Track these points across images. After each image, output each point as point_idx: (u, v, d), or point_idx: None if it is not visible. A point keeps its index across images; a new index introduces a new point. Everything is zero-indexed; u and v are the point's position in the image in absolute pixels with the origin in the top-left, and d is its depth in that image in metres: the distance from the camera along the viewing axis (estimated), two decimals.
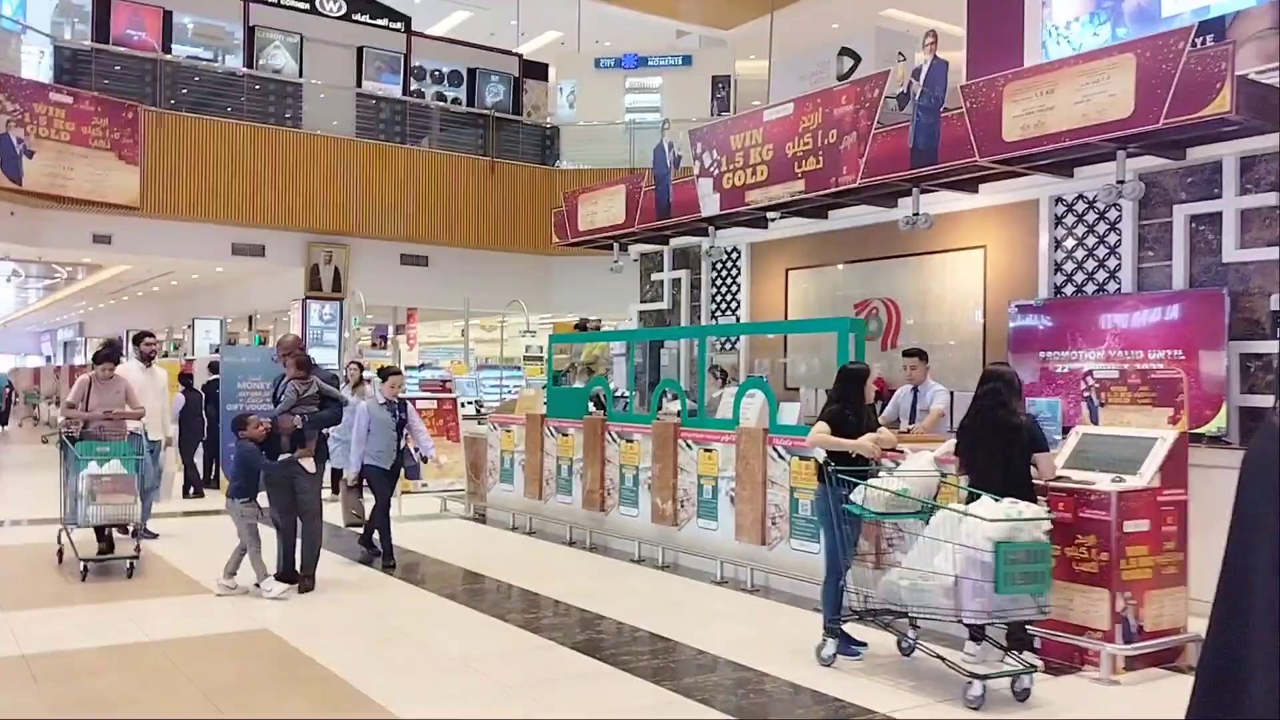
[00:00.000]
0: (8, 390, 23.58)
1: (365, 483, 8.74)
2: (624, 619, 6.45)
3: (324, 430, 7.33)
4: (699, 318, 11.63)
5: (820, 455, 5.36)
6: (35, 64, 16.33)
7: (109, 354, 8.02)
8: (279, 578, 7.08)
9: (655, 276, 12.27)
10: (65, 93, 15.25)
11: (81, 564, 7.14)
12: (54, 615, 6.31)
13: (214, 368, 14.74)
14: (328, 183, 17.93)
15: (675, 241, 11.74)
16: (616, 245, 11.79)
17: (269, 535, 7.10)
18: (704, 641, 5.91)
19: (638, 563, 8.36)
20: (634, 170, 15.65)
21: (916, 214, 7.97)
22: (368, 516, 8.43)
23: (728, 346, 11.28)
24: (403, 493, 10.60)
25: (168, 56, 17.20)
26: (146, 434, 8.34)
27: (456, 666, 5.47)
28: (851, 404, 5.45)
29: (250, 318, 23.97)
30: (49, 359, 44.64)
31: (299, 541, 7.12)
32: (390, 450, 8.22)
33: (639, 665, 5.47)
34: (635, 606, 6.79)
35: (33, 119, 14.71)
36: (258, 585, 6.93)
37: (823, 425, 5.34)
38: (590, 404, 9.50)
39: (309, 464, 7.14)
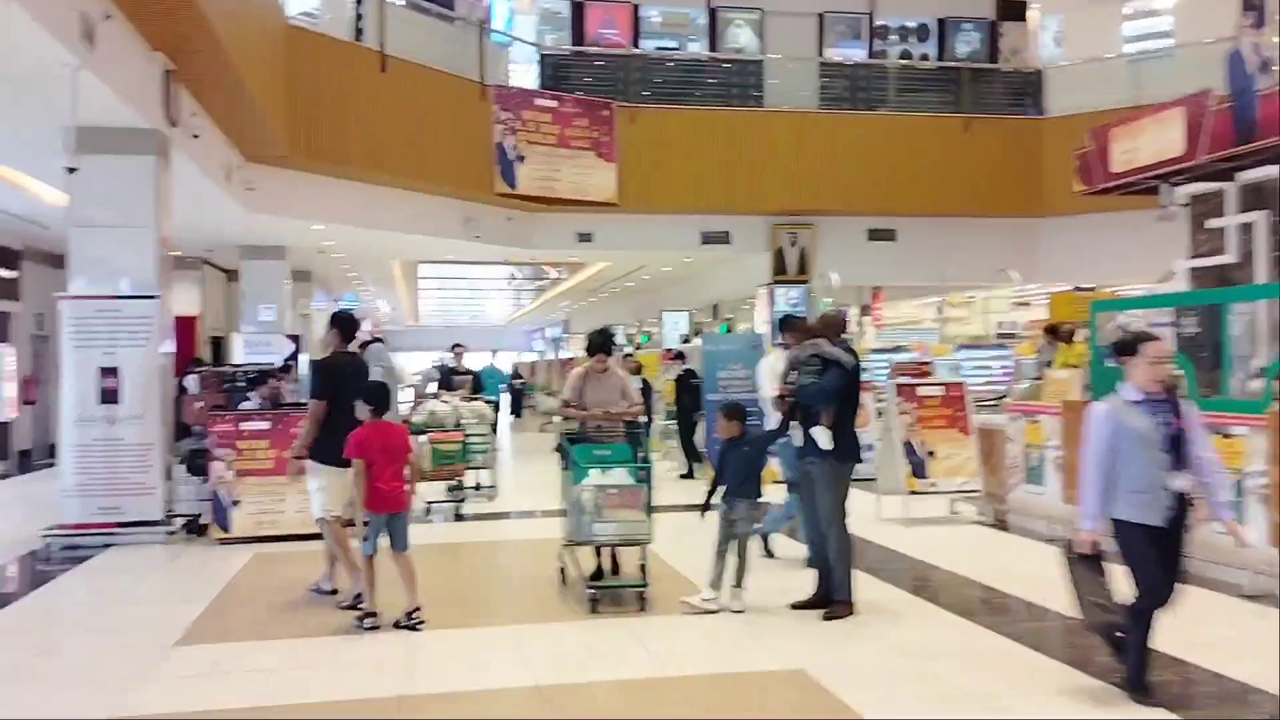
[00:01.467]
0: (518, 382, 25.93)
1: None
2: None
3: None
4: None
5: None
6: (523, 73, 17.31)
7: (602, 343, 6.97)
8: (811, 604, 6.06)
9: (1213, 223, 9.70)
10: (549, 97, 15.90)
11: (589, 592, 6.21)
12: (558, 632, 5.77)
13: (681, 356, 14.55)
14: (791, 161, 17.16)
15: (1246, 176, 9.14)
16: (1164, 186, 9.45)
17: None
18: None
19: (1251, 599, 6.25)
20: (1139, 109, 12.96)
21: None
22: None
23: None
24: (910, 492, 9.29)
25: (637, 50, 17.46)
26: None
27: None
28: None
29: (715, 307, 24.11)
30: (540, 354, 49.69)
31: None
32: (1155, 490, 4.42)
33: None
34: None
35: (522, 126, 15.47)
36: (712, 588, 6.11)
37: None
38: None
39: (822, 438, 5.92)
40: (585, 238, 17.35)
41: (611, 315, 33.25)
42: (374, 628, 5.72)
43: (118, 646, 5.50)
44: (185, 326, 17.77)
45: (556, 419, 7.58)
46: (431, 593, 6.78)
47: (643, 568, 6.25)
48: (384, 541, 5.85)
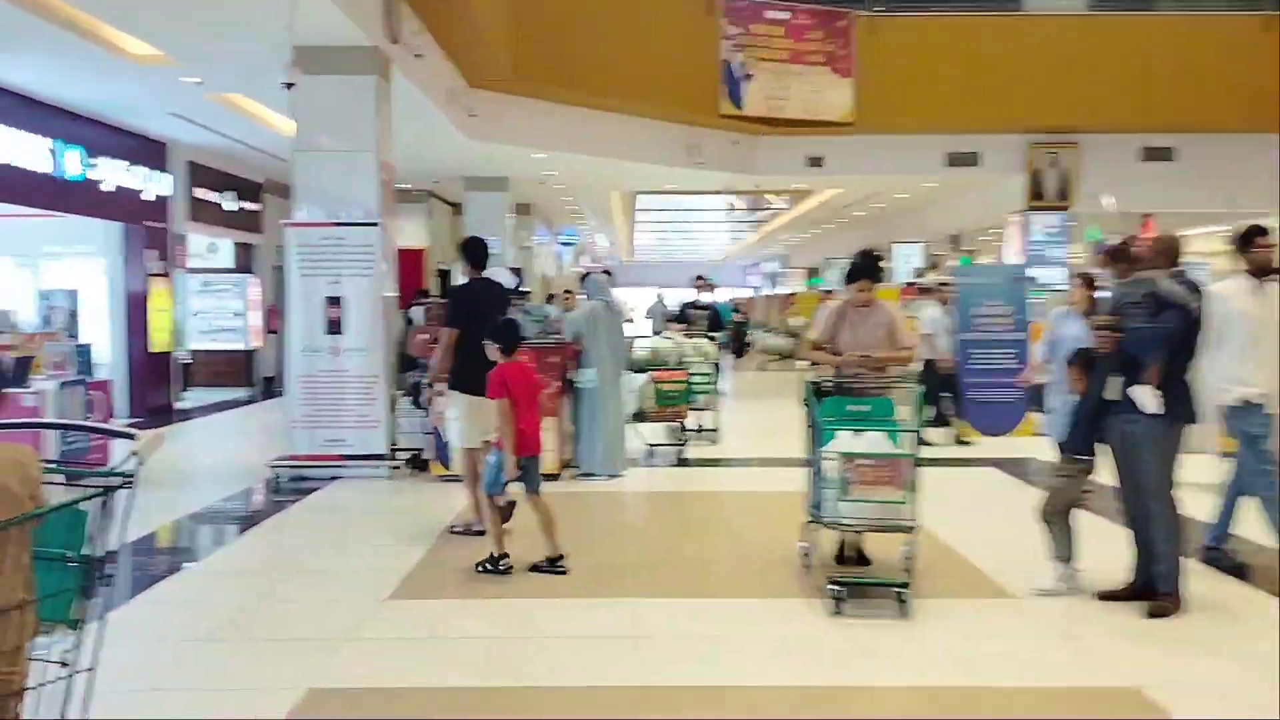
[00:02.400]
0: (738, 317, 25.10)
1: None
2: None
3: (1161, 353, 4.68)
4: None
5: None
6: None
7: (867, 268, 5.47)
8: (1125, 594, 4.92)
9: None
10: (781, 9, 14.68)
11: (830, 588, 4.79)
12: (808, 616, 4.81)
13: (928, 291, 13.17)
14: (1053, 71, 15.16)
15: None
16: None
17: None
18: None
19: None
20: None
21: None
22: None
23: None
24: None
25: None
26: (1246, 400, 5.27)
27: None
28: None
29: (955, 238, 22.26)
30: (756, 290, 48.71)
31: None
32: None
33: None
34: None
35: (751, 41, 14.38)
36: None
37: None
38: None
39: (1147, 400, 4.66)
40: (815, 162, 16.11)
41: (835, 248, 31.74)
42: (508, 570, 5.42)
43: (330, 597, 5.11)
44: (413, 259, 18.00)
45: (800, 361, 6.52)
46: (656, 551, 6.12)
47: (907, 561, 4.85)
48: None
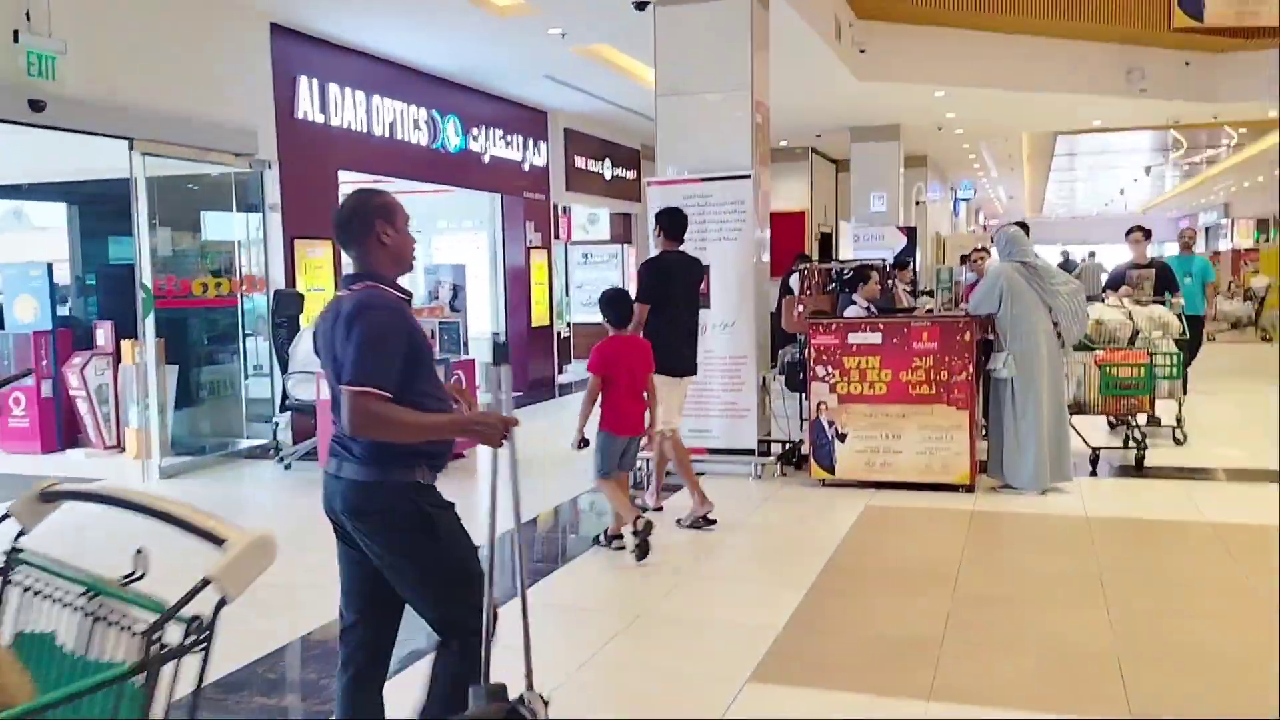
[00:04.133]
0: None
1: None
2: None
3: None
4: None
5: None
6: None
7: None
8: None
9: None
10: None
11: None
12: None
13: None
14: None
15: None
16: None
17: None
18: None
19: None
20: None
21: None
22: None
23: None
24: None
25: None
26: None
27: None
28: None
29: None
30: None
31: None
32: None
33: None
34: None
35: None
36: None
37: None
38: None
39: None
40: None
41: None
42: (620, 549, 5.37)
43: (676, 668, 3.86)
44: (792, 221, 16.71)
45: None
46: (1142, 627, 4.16)
47: None
48: None
